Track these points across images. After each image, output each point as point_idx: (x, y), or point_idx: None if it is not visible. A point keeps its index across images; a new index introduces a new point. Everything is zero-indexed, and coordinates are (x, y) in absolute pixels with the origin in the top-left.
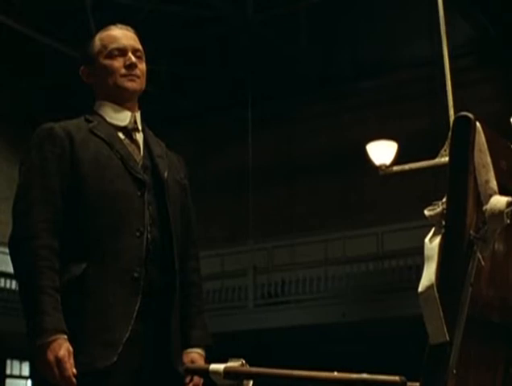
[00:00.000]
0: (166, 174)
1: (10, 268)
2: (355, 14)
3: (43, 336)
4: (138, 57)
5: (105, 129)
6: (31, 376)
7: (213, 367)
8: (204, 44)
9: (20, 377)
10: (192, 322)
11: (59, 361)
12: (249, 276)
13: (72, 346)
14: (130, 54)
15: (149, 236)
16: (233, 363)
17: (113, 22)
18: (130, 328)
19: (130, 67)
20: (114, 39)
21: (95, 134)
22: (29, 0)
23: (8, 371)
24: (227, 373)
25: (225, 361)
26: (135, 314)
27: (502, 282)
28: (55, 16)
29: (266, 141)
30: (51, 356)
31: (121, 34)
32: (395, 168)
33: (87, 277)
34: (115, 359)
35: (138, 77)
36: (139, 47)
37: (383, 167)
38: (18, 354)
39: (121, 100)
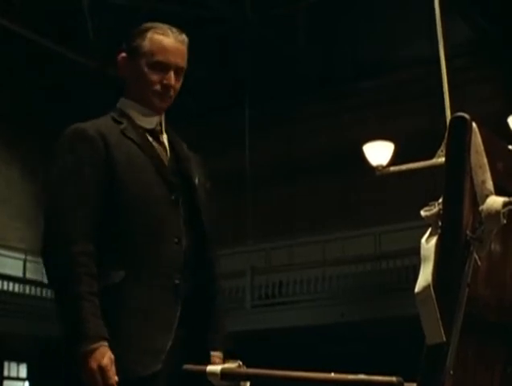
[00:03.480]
0: (196, 179)
1: (7, 270)
2: (355, 14)
3: (85, 343)
4: (177, 76)
5: (136, 131)
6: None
7: (210, 368)
8: (204, 44)
9: (17, 379)
10: (214, 325)
11: (102, 370)
12: (246, 277)
13: (114, 353)
14: (171, 73)
15: (185, 242)
16: (231, 365)
17: (111, 23)
18: (172, 336)
19: (166, 87)
20: (164, 50)
21: (127, 136)
22: (28, 0)
23: (6, 373)
24: (224, 374)
25: (222, 362)
26: (177, 320)
27: (499, 282)
28: (53, 17)
29: (265, 142)
30: (94, 364)
31: (172, 48)
32: (392, 168)
33: (126, 283)
34: (160, 366)
35: (170, 97)
36: (183, 64)
37: (380, 168)
38: (15, 356)
39: (147, 107)
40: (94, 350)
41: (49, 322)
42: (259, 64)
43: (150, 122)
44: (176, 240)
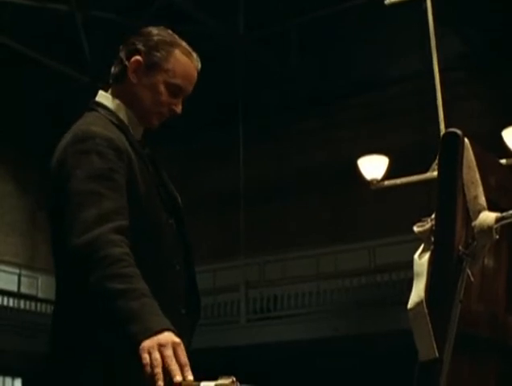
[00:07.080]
0: (180, 200)
1: (1, 285)
2: (346, 32)
3: (156, 323)
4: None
5: (137, 144)
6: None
7: (204, 384)
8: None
9: None
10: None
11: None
12: (241, 291)
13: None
14: (180, 99)
15: (182, 266)
16: (224, 381)
17: (104, 40)
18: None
19: (171, 112)
20: (186, 76)
21: (134, 150)
22: (20, 17)
23: None
24: None
25: (215, 378)
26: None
27: (492, 297)
28: (46, 33)
29: (256, 158)
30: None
31: (192, 75)
32: (387, 183)
33: None
34: None
35: (166, 119)
36: (190, 92)
37: (374, 182)
38: (10, 371)
39: (141, 122)
40: (165, 330)
41: (44, 337)
42: (250, 82)
43: (137, 135)
44: (178, 266)
